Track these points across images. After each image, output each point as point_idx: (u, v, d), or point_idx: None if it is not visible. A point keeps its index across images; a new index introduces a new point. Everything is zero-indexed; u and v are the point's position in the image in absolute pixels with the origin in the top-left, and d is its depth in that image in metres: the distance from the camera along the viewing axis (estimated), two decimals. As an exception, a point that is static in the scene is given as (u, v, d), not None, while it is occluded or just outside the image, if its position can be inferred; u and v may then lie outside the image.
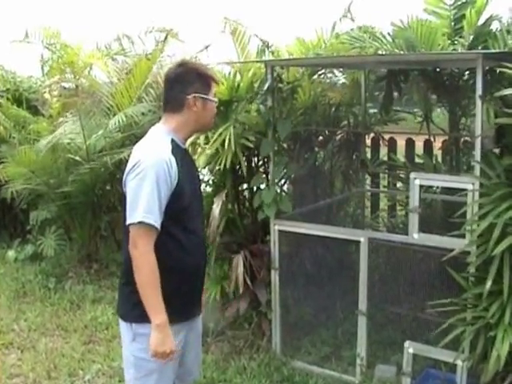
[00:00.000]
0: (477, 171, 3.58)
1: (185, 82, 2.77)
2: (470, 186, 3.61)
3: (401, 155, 5.98)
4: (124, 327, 2.83)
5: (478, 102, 3.53)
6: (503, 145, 3.72)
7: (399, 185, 5.87)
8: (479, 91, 3.52)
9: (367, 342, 4.26)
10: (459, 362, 3.82)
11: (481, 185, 3.57)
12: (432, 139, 5.50)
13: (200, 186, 3.08)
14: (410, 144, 6.04)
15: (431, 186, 4.33)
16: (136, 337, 2.77)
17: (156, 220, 2.61)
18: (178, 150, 2.75)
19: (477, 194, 3.59)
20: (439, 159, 5.35)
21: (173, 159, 2.67)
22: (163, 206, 2.64)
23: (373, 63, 4.75)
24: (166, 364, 2.75)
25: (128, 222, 2.64)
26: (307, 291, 4.64)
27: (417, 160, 5.62)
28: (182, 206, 2.73)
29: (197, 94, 2.76)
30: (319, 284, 4.61)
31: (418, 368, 4.15)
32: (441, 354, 3.89)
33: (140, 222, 2.60)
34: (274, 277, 4.54)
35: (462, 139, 5.08)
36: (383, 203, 6.26)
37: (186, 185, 2.74)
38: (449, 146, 5.19)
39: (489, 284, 3.42)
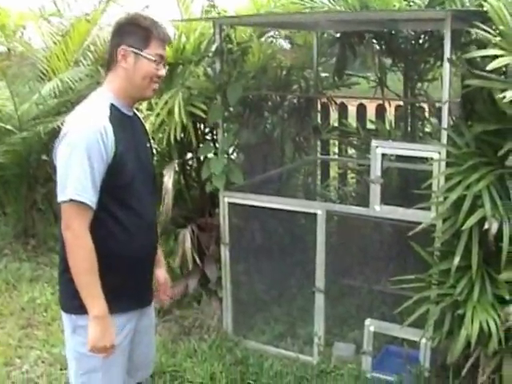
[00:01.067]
0: (444, 139, 3.26)
1: (122, 34, 2.35)
2: (436, 155, 3.30)
3: (352, 121, 5.66)
4: (65, 318, 2.46)
5: (446, 65, 3.20)
6: (470, 111, 3.40)
7: (352, 152, 5.57)
8: (447, 54, 3.18)
9: (325, 319, 3.95)
10: (423, 341, 3.55)
11: (448, 154, 3.26)
12: (386, 104, 5.18)
13: (151, 159, 2.65)
14: (362, 109, 5.72)
15: (389, 154, 4.02)
16: (76, 329, 2.40)
17: (90, 198, 2.22)
18: (118, 117, 2.33)
19: (443, 163, 3.28)
20: (393, 125, 5.05)
21: (109, 127, 2.25)
22: (98, 181, 2.24)
23: (326, 23, 4.36)
24: (113, 361, 2.39)
25: (58, 200, 2.25)
26: (260, 267, 4.31)
27: (369, 126, 5.32)
28: (122, 182, 2.33)
29: (128, 48, 2.31)
30: (272, 259, 4.28)
31: (377, 345, 3.88)
32: (404, 333, 3.62)
33: (71, 200, 2.20)
34: (224, 252, 4.17)
35: (418, 105, 4.77)
36: (334, 171, 5.94)
37: (127, 158, 2.33)
38: (403, 112, 4.87)
39: (457, 260, 3.13)
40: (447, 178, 3.20)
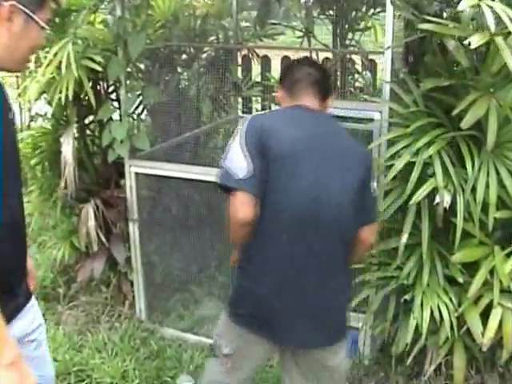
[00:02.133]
0: (386, 95, 2.72)
1: None
2: (377, 115, 2.76)
3: (277, 75, 5.05)
4: None
5: (389, 8, 2.63)
6: (415, 64, 2.87)
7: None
8: (390, -6, 2.63)
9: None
10: (365, 329, 3.07)
11: (391, 113, 2.73)
12: (314, 57, 4.59)
13: (14, 135, 1.94)
14: (286, 62, 5.11)
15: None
16: None
17: None
18: None
19: (386, 125, 2.75)
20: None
21: None
22: None
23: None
24: None
25: None
26: (175, 244, 3.71)
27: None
28: None
29: (17, 4, 1.62)
30: (189, 235, 3.67)
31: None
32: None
33: None
34: (133, 230, 3.54)
35: (349, 57, 4.22)
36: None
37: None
38: (332, 65, 4.31)
39: (405, 237, 2.64)
40: (392, 143, 2.67)
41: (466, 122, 2.40)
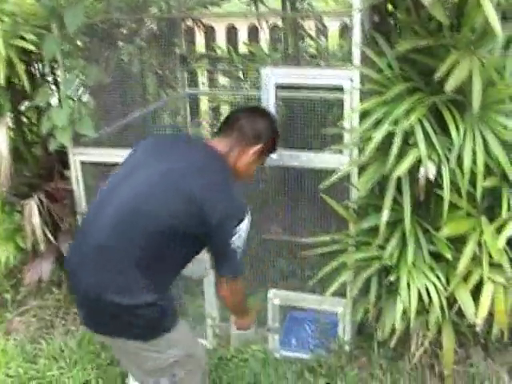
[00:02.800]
0: (356, 59, 2.45)
1: None
2: (346, 83, 2.49)
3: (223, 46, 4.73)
4: None
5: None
6: (382, 23, 2.60)
7: (225, 81, 4.67)
8: None
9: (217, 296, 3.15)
10: (345, 314, 2.85)
11: (362, 80, 2.47)
12: (262, 24, 4.29)
13: None
14: (233, 31, 4.79)
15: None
16: None
17: None
18: None
19: (357, 94, 2.48)
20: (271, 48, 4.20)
21: None
22: None
23: None
24: None
25: None
26: None
27: (243, 50, 4.43)
28: None
29: None
30: None
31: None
32: (319, 303, 2.89)
33: None
34: (82, 225, 3.20)
35: (300, 21, 3.92)
36: (206, 107, 4.99)
37: None
38: (284, 31, 4.01)
39: (386, 214, 2.39)
40: (364, 113, 2.41)
41: (449, 85, 2.15)
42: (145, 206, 2.02)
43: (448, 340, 2.59)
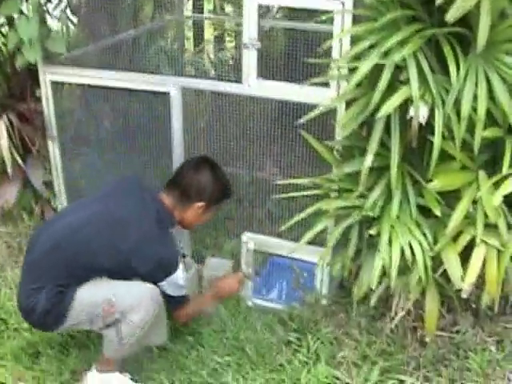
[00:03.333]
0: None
1: None
2: (337, 5, 2.15)
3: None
4: None
5: None
6: None
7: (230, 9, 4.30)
8: None
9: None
10: (322, 265, 2.59)
11: (356, 4, 2.13)
12: None
13: None
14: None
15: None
16: None
17: None
18: None
19: (349, 19, 2.15)
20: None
21: None
22: None
23: None
24: None
25: None
26: (103, 163, 3.09)
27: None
28: None
29: None
30: (118, 152, 3.06)
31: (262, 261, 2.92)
32: (296, 251, 2.61)
33: None
34: (53, 149, 2.96)
35: None
36: (209, 34, 4.63)
37: None
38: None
39: (370, 159, 2.09)
40: (355, 41, 2.08)
41: (451, 15, 1.82)
42: (70, 243, 2.24)
43: (431, 303, 2.32)
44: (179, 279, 2.36)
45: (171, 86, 2.60)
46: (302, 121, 2.14)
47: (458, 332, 2.57)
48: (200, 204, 2.43)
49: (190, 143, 2.72)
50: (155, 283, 2.30)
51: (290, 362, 2.49)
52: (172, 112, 2.64)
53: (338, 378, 2.42)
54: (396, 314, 2.46)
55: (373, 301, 2.42)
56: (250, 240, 2.71)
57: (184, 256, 2.90)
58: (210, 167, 2.48)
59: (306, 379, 2.40)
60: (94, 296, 2.23)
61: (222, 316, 2.71)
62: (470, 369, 2.45)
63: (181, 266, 2.35)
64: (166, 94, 2.63)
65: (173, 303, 2.43)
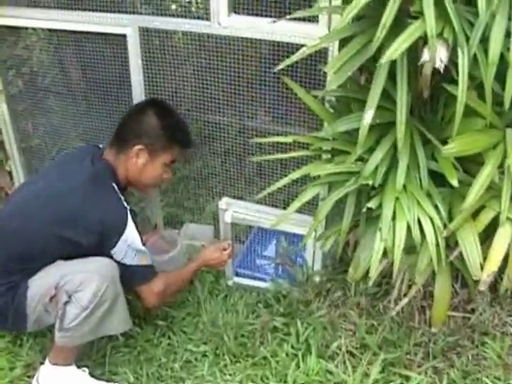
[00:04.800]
0: None
1: None
2: None
3: None
4: None
5: None
6: None
7: None
8: None
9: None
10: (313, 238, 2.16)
11: None
12: None
13: None
14: None
15: None
16: None
17: None
18: None
19: None
20: None
21: None
22: None
23: None
24: None
25: None
26: (61, 119, 2.60)
27: None
28: None
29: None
30: (76, 104, 2.57)
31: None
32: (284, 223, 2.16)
33: None
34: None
35: None
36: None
37: None
38: None
39: (370, 114, 1.60)
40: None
41: None
42: (18, 220, 1.97)
43: (442, 290, 1.89)
44: (135, 242, 1.96)
45: (128, 26, 2.11)
46: (281, 66, 1.65)
47: (473, 311, 2.16)
48: (137, 148, 2.04)
49: (152, 92, 2.24)
50: (110, 256, 1.96)
51: (275, 354, 2.09)
52: (130, 56, 2.15)
53: (331, 373, 2.03)
54: (400, 296, 2.05)
55: (371, 282, 1.99)
56: (229, 207, 2.27)
57: (156, 226, 2.49)
58: (156, 108, 2.10)
59: (293, 375, 2.00)
60: (45, 284, 1.92)
61: (198, 296, 2.31)
62: (487, 357, 2.05)
63: (131, 223, 1.95)
64: (122, 36, 2.14)
65: (137, 278, 2.04)
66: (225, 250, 2.29)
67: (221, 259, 2.29)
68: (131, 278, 2.02)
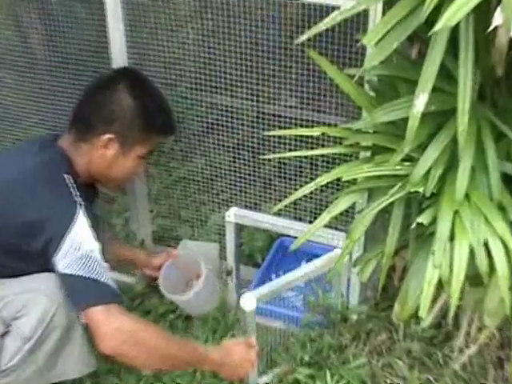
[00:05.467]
0: None
1: None
2: None
3: None
4: None
5: None
6: None
7: None
8: None
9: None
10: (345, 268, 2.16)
11: None
12: None
13: None
14: None
15: None
16: None
17: None
18: None
19: None
20: None
21: None
22: None
23: None
24: None
25: None
26: (17, 100, 2.70)
27: None
28: None
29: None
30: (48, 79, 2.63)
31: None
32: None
33: None
34: None
35: None
36: None
37: None
38: None
39: (424, 97, 1.56)
40: None
41: None
42: None
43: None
44: (87, 246, 1.88)
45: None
46: (305, 36, 1.64)
47: None
48: (106, 137, 2.05)
49: (139, 67, 2.28)
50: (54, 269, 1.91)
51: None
52: (108, 18, 2.20)
53: None
54: (467, 343, 2.04)
55: (426, 322, 1.97)
56: (236, 218, 2.30)
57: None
58: (128, 80, 2.11)
59: None
60: None
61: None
62: None
63: (82, 221, 1.89)
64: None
65: (83, 296, 1.88)
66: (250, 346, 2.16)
67: (248, 357, 2.14)
68: (75, 294, 1.90)
